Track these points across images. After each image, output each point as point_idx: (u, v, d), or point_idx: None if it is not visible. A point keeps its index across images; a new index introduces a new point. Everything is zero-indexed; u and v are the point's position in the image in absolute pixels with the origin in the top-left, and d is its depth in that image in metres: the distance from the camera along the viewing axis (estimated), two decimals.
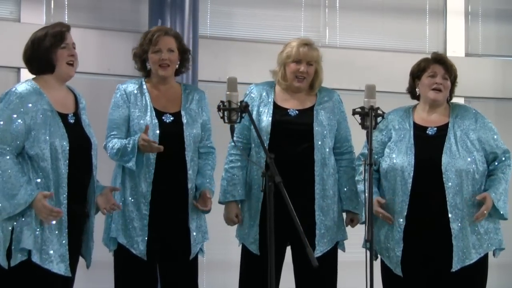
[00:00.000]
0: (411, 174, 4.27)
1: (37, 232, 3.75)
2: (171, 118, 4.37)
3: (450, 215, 4.24)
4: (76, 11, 6.82)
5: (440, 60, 4.47)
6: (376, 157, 4.40)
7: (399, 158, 4.33)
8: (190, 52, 4.54)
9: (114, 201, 4.08)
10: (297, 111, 4.51)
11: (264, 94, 4.54)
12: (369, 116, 4.07)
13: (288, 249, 4.53)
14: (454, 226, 4.24)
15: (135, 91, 4.39)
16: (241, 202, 4.53)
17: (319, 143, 4.45)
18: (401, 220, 4.28)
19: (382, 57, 7.55)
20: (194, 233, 4.35)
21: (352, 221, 4.58)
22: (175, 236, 4.34)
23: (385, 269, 4.39)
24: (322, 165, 4.45)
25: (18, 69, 6.47)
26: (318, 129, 4.46)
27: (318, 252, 4.39)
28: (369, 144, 4.02)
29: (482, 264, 4.31)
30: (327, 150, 4.48)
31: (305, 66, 4.49)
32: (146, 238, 4.27)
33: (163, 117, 4.35)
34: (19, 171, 3.76)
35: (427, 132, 4.40)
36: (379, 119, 4.12)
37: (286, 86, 4.53)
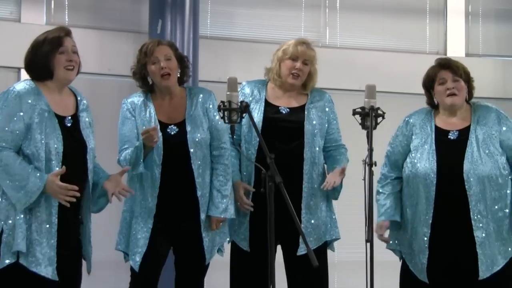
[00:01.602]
0: (434, 181, 4.19)
1: (26, 234, 3.73)
2: (176, 130, 4.34)
3: (473, 223, 4.15)
4: (76, 11, 6.82)
5: (444, 64, 4.37)
6: (400, 160, 4.36)
7: (422, 164, 4.25)
8: (187, 58, 4.52)
9: (124, 185, 4.05)
10: (288, 109, 4.51)
11: (256, 91, 4.55)
12: (369, 116, 4.06)
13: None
14: (478, 234, 4.15)
15: (140, 104, 4.38)
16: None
17: (309, 141, 4.44)
18: (426, 228, 4.21)
19: (382, 57, 7.55)
20: (207, 239, 4.34)
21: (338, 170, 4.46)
22: (187, 245, 4.34)
23: (406, 273, 4.34)
24: (312, 164, 4.44)
25: (18, 69, 6.47)
26: (308, 128, 4.46)
27: (302, 251, 4.38)
28: (369, 145, 4.01)
29: (509, 269, 4.21)
30: (317, 149, 4.47)
31: (301, 64, 4.50)
32: (145, 251, 4.26)
33: (167, 129, 4.32)
34: (23, 161, 3.74)
35: (448, 136, 4.30)
36: (379, 119, 4.12)
37: (280, 83, 4.53)
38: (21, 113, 3.79)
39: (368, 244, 3.90)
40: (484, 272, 4.15)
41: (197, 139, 4.32)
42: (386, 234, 4.39)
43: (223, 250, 4.49)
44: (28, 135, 3.78)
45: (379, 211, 4.37)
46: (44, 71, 3.89)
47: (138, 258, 4.27)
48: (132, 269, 4.34)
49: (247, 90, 4.55)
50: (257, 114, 4.46)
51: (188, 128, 4.33)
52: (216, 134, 4.40)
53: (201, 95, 4.44)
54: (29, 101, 3.82)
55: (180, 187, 4.31)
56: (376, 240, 4.05)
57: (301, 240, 4.37)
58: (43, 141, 3.78)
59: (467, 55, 7.83)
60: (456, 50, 7.77)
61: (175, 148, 4.29)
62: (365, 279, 3.87)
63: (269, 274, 3.56)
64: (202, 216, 4.33)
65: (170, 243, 4.37)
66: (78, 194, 3.75)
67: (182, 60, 4.45)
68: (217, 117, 4.38)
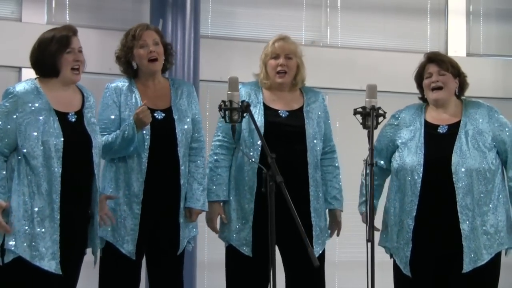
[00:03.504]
0: (421, 174, 4.20)
1: (26, 229, 3.77)
2: (162, 115, 4.35)
3: (460, 215, 4.15)
4: (77, 11, 6.83)
5: (430, 58, 4.37)
6: (384, 150, 4.40)
7: (409, 157, 4.26)
8: (171, 46, 4.54)
9: (107, 210, 4.11)
10: (287, 112, 4.47)
11: (252, 94, 4.49)
12: (370, 116, 4.06)
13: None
14: (464, 227, 4.15)
15: (125, 90, 4.38)
16: (226, 202, 4.45)
17: (311, 145, 4.42)
18: (410, 220, 4.23)
19: (383, 57, 7.55)
20: (181, 228, 4.36)
21: (337, 221, 4.55)
22: (165, 231, 4.34)
23: (396, 268, 4.34)
24: (315, 167, 4.43)
25: (20, 68, 6.48)
26: (310, 131, 4.43)
27: (315, 253, 4.37)
28: (370, 144, 4.01)
29: (493, 265, 4.22)
30: (318, 152, 4.47)
31: (284, 60, 4.47)
32: (137, 237, 4.27)
33: (154, 114, 4.32)
34: None
35: (438, 130, 4.31)
36: (380, 119, 4.12)
37: (269, 85, 4.50)
38: (15, 113, 3.83)
39: (369, 244, 3.90)
40: (467, 265, 4.16)
41: (184, 129, 4.35)
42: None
43: (192, 243, 4.48)
44: (20, 135, 3.81)
45: (361, 198, 4.43)
46: (51, 69, 3.94)
47: (131, 246, 4.26)
48: (114, 258, 4.26)
49: (243, 93, 4.45)
50: (258, 118, 4.39)
51: (176, 116, 4.36)
52: (196, 127, 4.44)
53: (185, 87, 4.50)
54: (27, 101, 3.85)
55: (165, 174, 4.32)
56: (376, 240, 4.05)
57: (313, 243, 4.37)
58: (39, 139, 3.81)
59: (468, 54, 7.84)
60: (457, 50, 7.77)
61: (162, 134, 4.30)
62: (366, 279, 3.87)
63: (271, 276, 3.55)
64: (181, 205, 4.35)
65: (152, 228, 4.34)
66: (8, 232, 3.77)
67: (166, 48, 4.48)
68: (197, 111, 4.46)
